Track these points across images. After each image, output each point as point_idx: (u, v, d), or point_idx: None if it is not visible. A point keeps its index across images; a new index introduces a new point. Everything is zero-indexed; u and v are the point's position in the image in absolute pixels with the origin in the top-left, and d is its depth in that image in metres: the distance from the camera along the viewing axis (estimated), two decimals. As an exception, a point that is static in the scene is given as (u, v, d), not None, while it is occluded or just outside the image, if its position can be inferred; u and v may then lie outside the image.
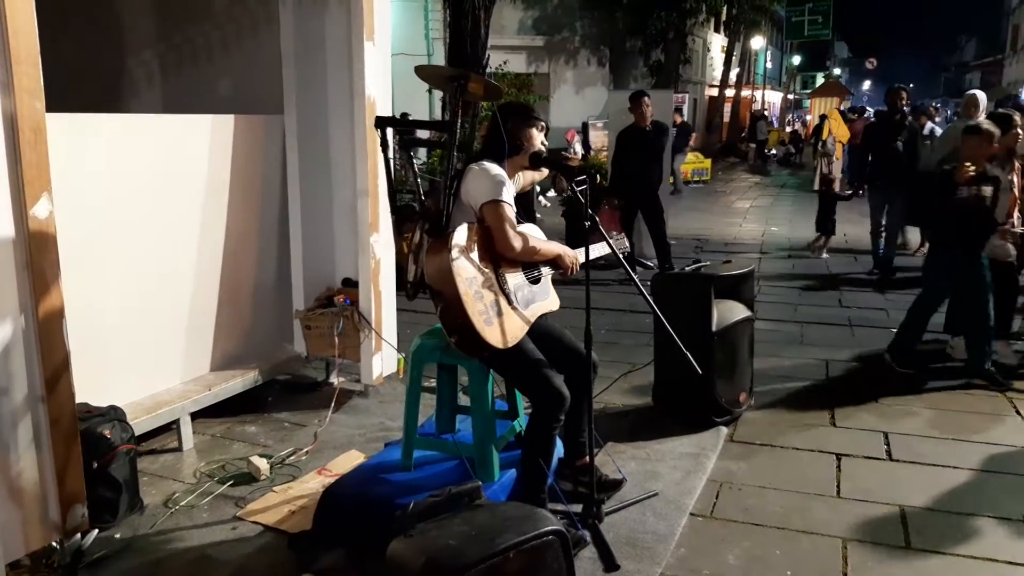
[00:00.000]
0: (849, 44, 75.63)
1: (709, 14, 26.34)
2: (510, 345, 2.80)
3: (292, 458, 3.69)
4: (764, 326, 5.69)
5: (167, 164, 3.86)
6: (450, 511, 2.06)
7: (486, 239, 2.85)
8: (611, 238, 3.01)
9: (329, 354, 4.46)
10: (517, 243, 2.83)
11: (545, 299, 3.06)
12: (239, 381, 4.16)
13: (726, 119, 30.11)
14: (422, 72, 3.20)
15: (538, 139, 3.03)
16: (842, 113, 19.09)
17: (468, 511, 2.06)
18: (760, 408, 4.26)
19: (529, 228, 3.00)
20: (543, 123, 3.08)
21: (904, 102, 7.44)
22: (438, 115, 12.98)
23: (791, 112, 41.23)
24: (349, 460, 3.63)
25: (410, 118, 3.22)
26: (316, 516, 2.99)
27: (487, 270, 2.84)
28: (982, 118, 6.35)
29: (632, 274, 2.93)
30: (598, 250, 3.10)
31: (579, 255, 3.00)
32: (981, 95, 6.97)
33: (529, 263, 2.99)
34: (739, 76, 30.88)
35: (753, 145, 26.26)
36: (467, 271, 2.75)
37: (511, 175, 2.99)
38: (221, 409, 4.11)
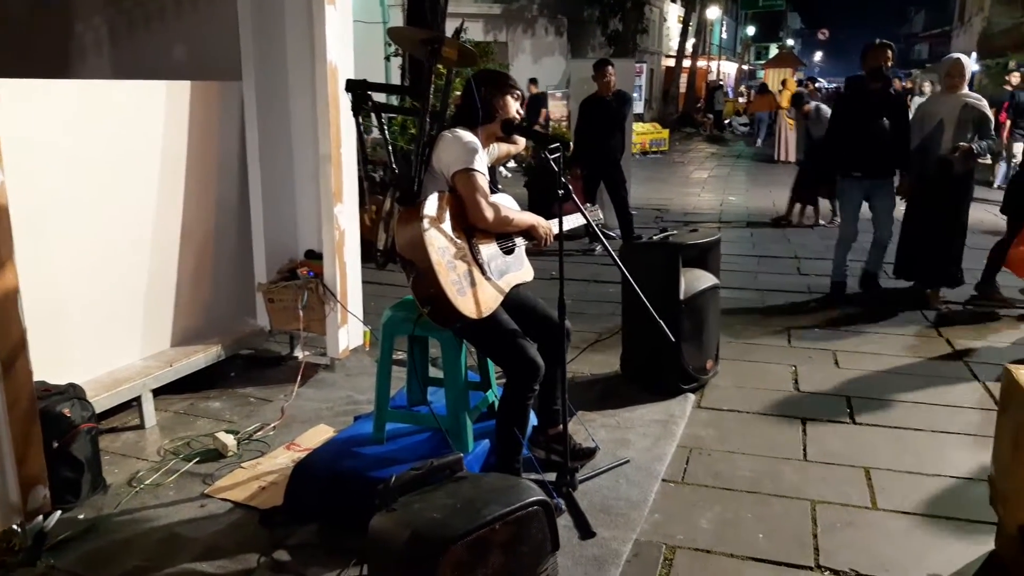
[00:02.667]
0: (801, 15, 76.30)
1: (666, -17, 26.37)
2: (484, 315, 2.76)
3: (259, 433, 3.62)
4: (726, 294, 5.71)
5: (122, 132, 3.72)
6: (432, 484, 2.03)
7: (458, 208, 2.80)
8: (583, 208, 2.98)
9: (293, 328, 4.39)
10: (489, 213, 2.79)
11: (519, 270, 3.03)
12: (201, 356, 4.07)
13: (682, 90, 30.25)
14: (394, 34, 3.10)
15: (513, 107, 2.96)
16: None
17: (451, 483, 2.04)
18: (726, 375, 4.31)
19: (502, 198, 2.95)
20: (520, 91, 3.01)
21: (889, 64, 5.57)
22: (396, 83, 12.72)
23: (745, 82, 41.52)
24: (318, 434, 3.58)
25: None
26: (288, 491, 2.94)
27: (460, 240, 2.78)
28: (966, 89, 5.50)
29: (606, 244, 2.91)
30: (572, 221, 3.07)
31: (552, 226, 2.97)
32: (967, 60, 5.64)
33: (502, 233, 2.95)
34: (695, 47, 30.99)
35: (711, 116, 26.47)
36: (439, 241, 2.69)
37: (485, 144, 2.93)
38: (183, 385, 4.02)
